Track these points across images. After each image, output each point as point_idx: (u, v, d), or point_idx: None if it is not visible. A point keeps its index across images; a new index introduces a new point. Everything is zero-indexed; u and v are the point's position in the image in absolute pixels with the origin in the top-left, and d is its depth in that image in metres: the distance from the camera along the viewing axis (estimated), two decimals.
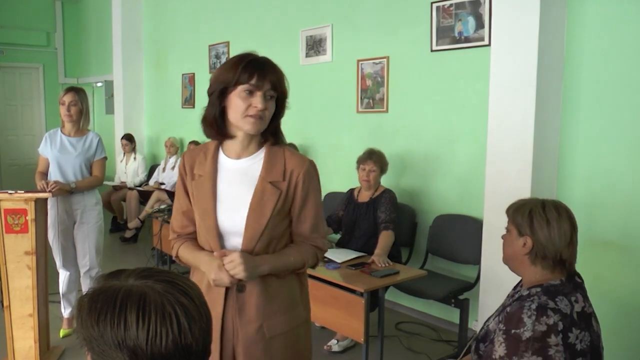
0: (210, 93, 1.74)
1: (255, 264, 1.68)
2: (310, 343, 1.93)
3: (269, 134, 1.78)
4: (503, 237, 1.91)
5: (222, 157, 1.81)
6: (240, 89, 1.67)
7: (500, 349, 1.66)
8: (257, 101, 1.66)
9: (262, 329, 1.74)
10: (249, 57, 1.70)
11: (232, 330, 1.75)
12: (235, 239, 1.75)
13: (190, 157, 1.85)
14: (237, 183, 1.77)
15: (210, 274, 1.68)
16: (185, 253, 1.84)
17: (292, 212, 1.80)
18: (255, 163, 1.78)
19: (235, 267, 1.65)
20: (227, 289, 1.74)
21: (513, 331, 1.64)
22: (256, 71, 1.66)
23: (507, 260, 1.89)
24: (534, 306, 1.64)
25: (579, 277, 1.80)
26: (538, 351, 1.60)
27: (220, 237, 1.76)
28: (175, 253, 1.89)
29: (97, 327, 0.89)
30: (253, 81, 1.65)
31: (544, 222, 1.77)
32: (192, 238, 1.87)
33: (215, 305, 1.73)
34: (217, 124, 1.75)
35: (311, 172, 1.80)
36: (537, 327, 1.60)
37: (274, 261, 1.74)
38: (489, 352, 1.73)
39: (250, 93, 1.66)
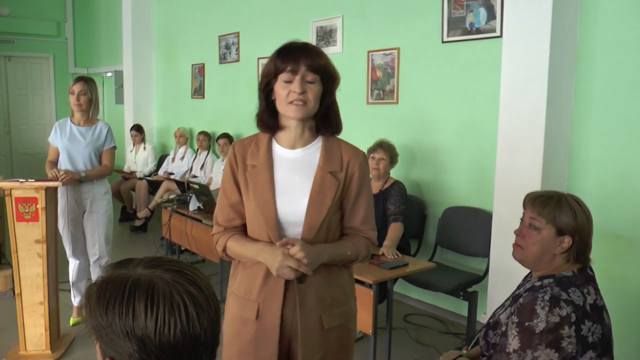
0: (259, 89, 1.77)
1: (316, 252, 1.68)
2: (355, 338, 1.93)
3: (323, 123, 1.79)
4: (523, 233, 1.80)
5: (276, 147, 1.79)
6: (280, 78, 1.69)
7: (514, 342, 1.64)
8: (295, 86, 1.66)
9: (321, 320, 1.75)
10: (283, 46, 1.73)
11: (290, 322, 1.74)
12: (295, 229, 1.73)
13: (242, 147, 1.81)
14: (295, 172, 1.76)
15: (275, 263, 1.65)
16: (237, 246, 1.77)
17: (346, 203, 1.80)
18: (311, 153, 1.78)
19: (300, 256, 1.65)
20: (287, 280, 1.72)
21: (527, 324, 1.62)
22: (290, 57, 1.68)
23: (528, 257, 1.78)
24: (547, 297, 1.62)
25: (591, 269, 1.78)
26: (551, 344, 1.58)
27: (279, 227, 1.73)
28: (222, 247, 1.81)
29: (106, 316, 0.88)
30: (288, 67, 1.67)
31: (586, 221, 1.73)
32: (239, 232, 1.81)
33: (275, 296, 1.73)
34: (268, 117, 1.76)
35: (365, 164, 1.84)
36: (550, 318, 1.59)
37: (332, 251, 1.74)
38: (502, 346, 1.70)
39: (289, 80, 1.67)
